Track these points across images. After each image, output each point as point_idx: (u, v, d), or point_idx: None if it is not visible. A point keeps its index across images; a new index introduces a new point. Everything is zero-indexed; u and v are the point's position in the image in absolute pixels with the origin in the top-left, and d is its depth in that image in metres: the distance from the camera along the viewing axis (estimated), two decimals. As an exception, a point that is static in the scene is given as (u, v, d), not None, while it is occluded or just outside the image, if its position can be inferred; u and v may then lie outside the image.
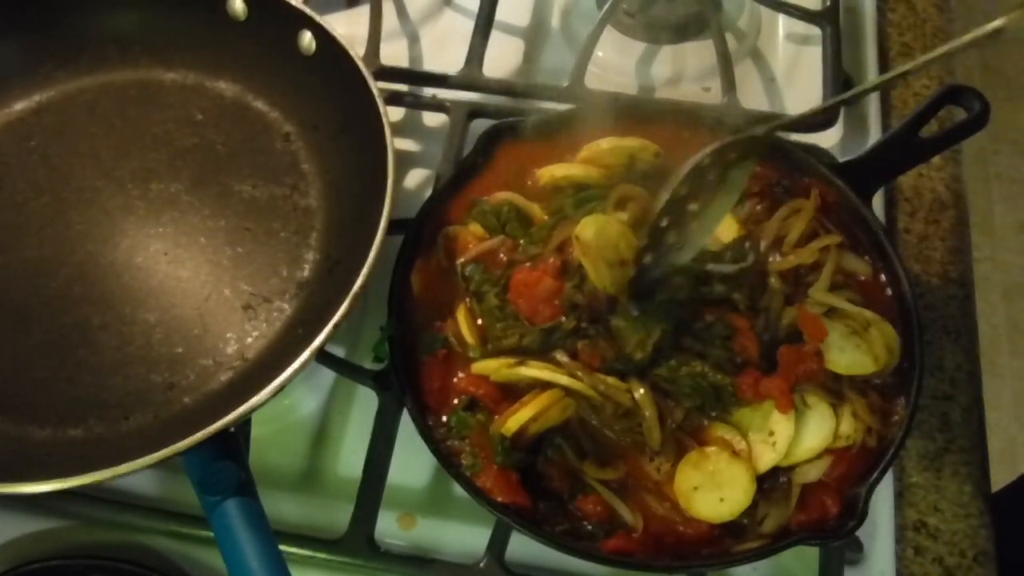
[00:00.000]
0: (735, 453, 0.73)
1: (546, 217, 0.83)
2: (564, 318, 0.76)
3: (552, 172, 0.85)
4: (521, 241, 0.82)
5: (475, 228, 0.84)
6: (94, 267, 0.84)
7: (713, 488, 0.72)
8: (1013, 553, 0.87)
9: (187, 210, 0.86)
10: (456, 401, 0.77)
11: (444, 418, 0.76)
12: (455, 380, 0.78)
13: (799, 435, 0.74)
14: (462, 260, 0.82)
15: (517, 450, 0.73)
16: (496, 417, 0.74)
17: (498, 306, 0.78)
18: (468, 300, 0.80)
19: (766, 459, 0.73)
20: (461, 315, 0.79)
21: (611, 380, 0.74)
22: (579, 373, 0.74)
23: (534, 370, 0.74)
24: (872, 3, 1.09)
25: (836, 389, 0.76)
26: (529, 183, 0.86)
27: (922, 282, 0.93)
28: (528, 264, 0.79)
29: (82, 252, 0.84)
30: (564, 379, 0.74)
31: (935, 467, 0.85)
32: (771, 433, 0.74)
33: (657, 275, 0.76)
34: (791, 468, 0.74)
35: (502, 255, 0.81)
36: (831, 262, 0.79)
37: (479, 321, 0.79)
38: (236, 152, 0.89)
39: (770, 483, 0.74)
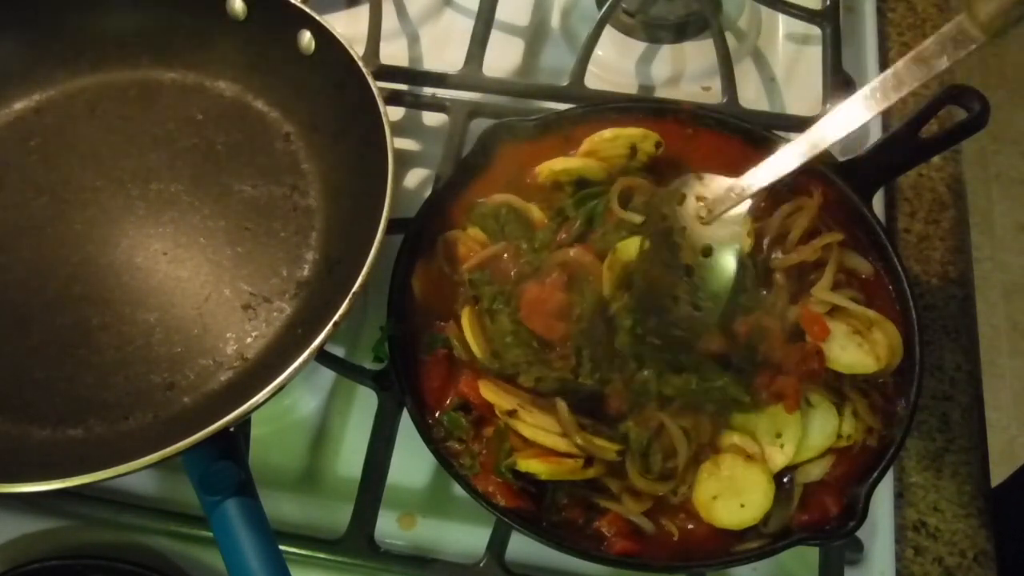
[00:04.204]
0: (749, 457, 0.73)
1: (545, 218, 0.83)
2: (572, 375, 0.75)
3: (551, 167, 0.84)
4: (523, 246, 0.81)
5: (474, 232, 0.83)
6: (94, 267, 0.84)
7: (732, 495, 0.72)
8: (1011, 548, 0.87)
9: (187, 210, 0.86)
10: (449, 401, 0.77)
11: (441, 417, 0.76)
12: (454, 381, 0.77)
13: (804, 434, 0.74)
14: (466, 267, 0.81)
15: (523, 480, 0.73)
16: (499, 424, 0.74)
17: (512, 331, 0.76)
18: (475, 307, 0.79)
19: (776, 461, 0.73)
20: (466, 322, 0.78)
21: (598, 441, 0.72)
22: (571, 432, 0.72)
23: (522, 425, 0.73)
24: (872, 3, 1.09)
25: (838, 388, 0.76)
26: (528, 181, 0.86)
27: (922, 282, 0.93)
28: (534, 280, 0.78)
29: (82, 252, 0.84)
30: (550, 440, 0.72)
31: (935, 467, 0.85)
32: (778, 435, 0.74)
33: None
34: (794, 468, 0.74)
35: (507, 260, 0.81)
36: (833, 260, 0.79)
37: (486, 326, 0.78)
38: (236, 152, 0.89)
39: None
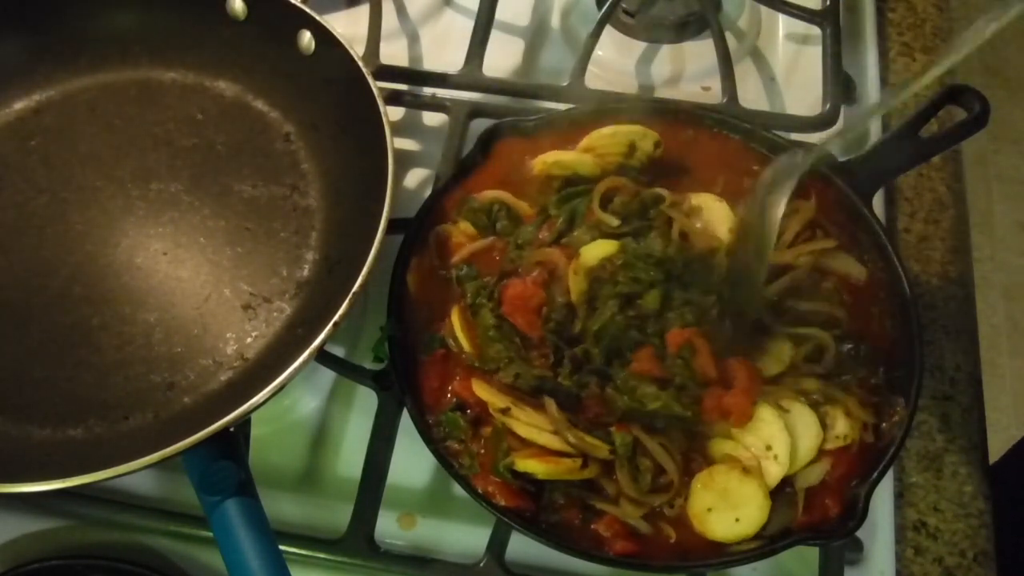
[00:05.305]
0: (745, 470, 0.72)
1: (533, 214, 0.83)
2: (551, 372, 0.75)
3: (544, 159, 0.85)
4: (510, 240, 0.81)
5: (465, 227, 0.83)
6: (94, 267, 0.84)
7: (727, 508, 0.71)
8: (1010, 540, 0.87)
9: (187, 210, 0.86)
10: (447, 401, 0.77)
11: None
12: (453, 381, 0.77)
13: (793, 441, 0.73)
14: (453, 260, 0.81)
15: (522, 479, 0.72)
16: (496, 427, 0.74)
17: (495, 325, 0.76)
18: (463, 303, 0.79)
19: (773, 474, 0.72)
20: (456, 319, 0.78)
21: (589, 439, 0.72)
22: (562, 430, 0.72)
23: (516, 423, 0.72)
24: (872, 3, 1.10)
25: (825, 391, 0.75)
26: (524, 174, 0.85)
27: (922, 282, 0.93)
28: (515, 277, 0.78)
29: (82, 252, 0.84)
30: (544, 438, 0.72)
31: (935, 467, 0.85)
32: (769, 447, 0.73)
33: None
34: (792, 474, 0.74)
35: (495, 256, 0.81)
36: (797, 221, 0.80)
37: (470, 321, 0.78)
38: (236, 152, 0.89)
39: (774, 492, 0.73)
